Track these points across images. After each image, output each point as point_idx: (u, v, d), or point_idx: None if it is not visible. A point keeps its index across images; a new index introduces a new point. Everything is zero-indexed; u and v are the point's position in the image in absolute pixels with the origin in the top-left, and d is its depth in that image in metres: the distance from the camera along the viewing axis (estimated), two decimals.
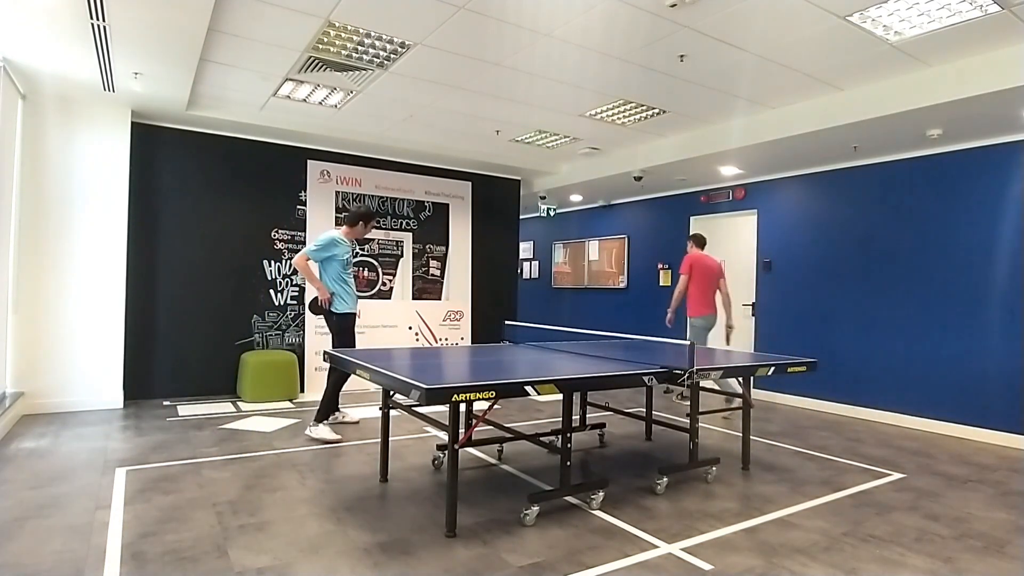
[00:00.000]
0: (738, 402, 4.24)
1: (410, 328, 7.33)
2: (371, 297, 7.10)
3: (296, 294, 6.63)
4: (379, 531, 2.92)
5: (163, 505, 3.18)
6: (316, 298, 4.67)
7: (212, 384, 6.16)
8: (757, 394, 6.78)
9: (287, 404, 5.93)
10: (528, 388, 2.87)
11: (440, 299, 7.60)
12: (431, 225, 7.55)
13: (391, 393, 3.57)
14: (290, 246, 6.60)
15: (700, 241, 6.42)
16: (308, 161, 6.73)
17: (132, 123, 5.59)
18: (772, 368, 4.00)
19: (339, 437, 4.59)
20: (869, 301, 5.98)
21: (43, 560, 2.53)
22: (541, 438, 3.69)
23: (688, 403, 4.54)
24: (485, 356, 4.06)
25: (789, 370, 4.17)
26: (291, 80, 4.97)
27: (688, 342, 3.57)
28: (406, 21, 3.87)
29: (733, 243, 7.58)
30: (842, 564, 2.69)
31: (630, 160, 7.03)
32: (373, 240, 7.12)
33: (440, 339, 7.53)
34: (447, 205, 7.66)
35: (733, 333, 6.29)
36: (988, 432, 5.11)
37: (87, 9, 3.54)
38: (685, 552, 2.77)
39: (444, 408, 2.77)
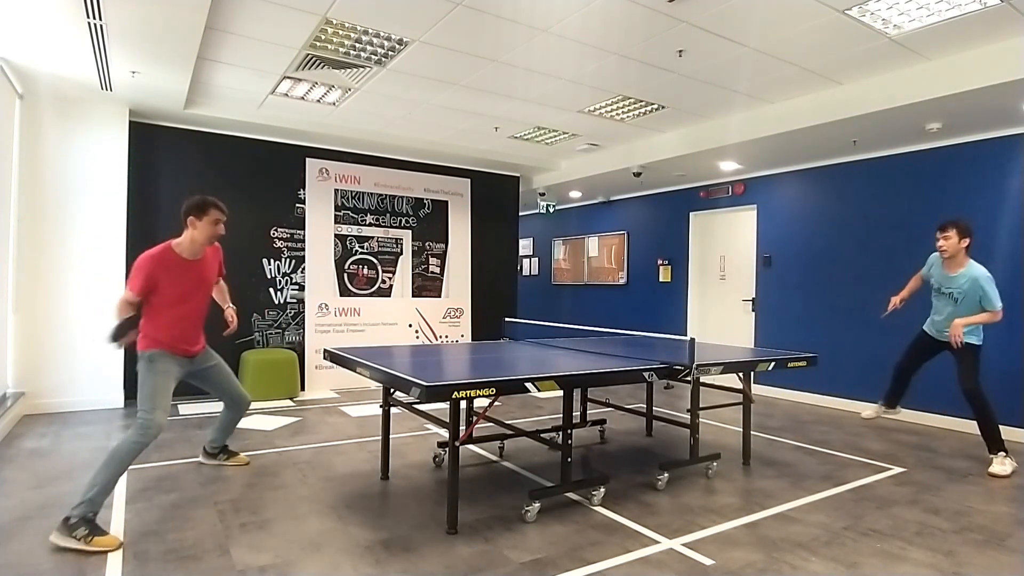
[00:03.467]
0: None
1: (410, 326, 7.33)
2: (371, 295, 7.10)
3: (296, 292, 6.62)
4: (380, 528, 2.93)
5: (164, 504, 3.18)
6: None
7: None
8: (757, 389, 6.78)
9: (288, 402, 5.94)
10: (528, 385, 2.87)
11: (440, 296, 7.60)
12: (430, 222, 7.54)
13: (391, 391, 3.58)
14: (289, 244, 6.59)
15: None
16: (307, 159, 6.72)
17: (130, 122, 5.57)
18: (772, 363, 4.00)
19: None
20: (869, 295, 5.97)
21: (45, 560, 2.53)
22: (542, 435, 3.70)
23: None
24: (485, 353, 4.06)
25: (789, 365, 4.17)
26: (289, 78, 4.96)
27: (689, 338, 3.57)
28: (404, 18, 3.86)
29: (733, 238, 7.58)
30: (843, 558, 2.70)
31: (629, 156, 7.01)
32: (373, 238, 7.12)
33: (440, 336, 7.53)
34: (446, 202, 7.65)
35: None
36: None
37: (84, 8, 3.53)
38: (686, 547, 2.77)
39: (445, 405, 2.77)
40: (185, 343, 3.36)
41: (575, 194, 9.26)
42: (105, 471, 2.79)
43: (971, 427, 5.17)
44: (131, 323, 3.10)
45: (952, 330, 4.13)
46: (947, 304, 4.34)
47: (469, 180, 7.83)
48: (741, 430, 4.20)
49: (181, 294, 3.27)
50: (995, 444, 4.13)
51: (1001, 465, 4.03)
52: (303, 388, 6.49)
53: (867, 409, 4.82)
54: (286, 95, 5.38)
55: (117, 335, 3.05)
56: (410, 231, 7.39)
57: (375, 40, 4.21)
